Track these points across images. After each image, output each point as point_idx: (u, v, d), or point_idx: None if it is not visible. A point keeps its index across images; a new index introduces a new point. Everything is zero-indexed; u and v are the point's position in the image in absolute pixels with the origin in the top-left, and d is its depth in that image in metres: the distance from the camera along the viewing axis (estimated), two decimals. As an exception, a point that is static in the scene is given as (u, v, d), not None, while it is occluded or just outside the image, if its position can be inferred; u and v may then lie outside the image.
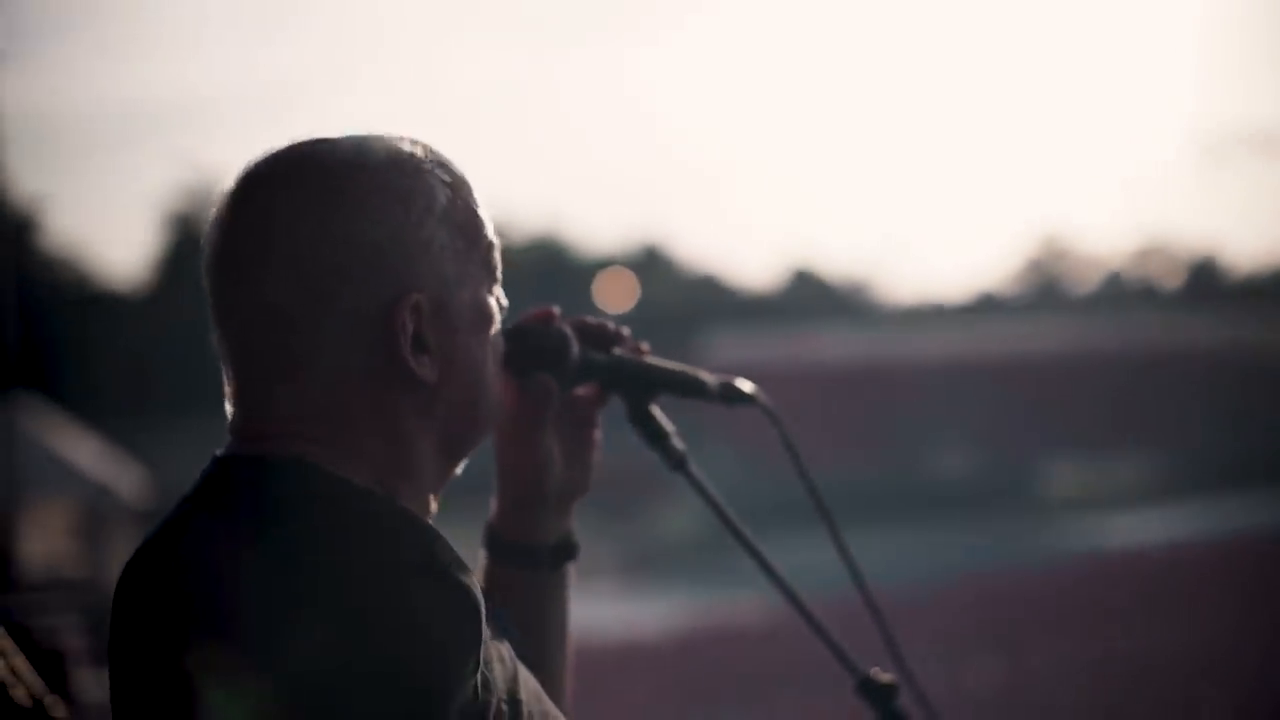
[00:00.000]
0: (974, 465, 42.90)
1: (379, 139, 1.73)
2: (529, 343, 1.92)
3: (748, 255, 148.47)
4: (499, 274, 1.79)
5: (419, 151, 1.73)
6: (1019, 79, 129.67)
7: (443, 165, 1.75)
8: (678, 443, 1.98)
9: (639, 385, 1.98)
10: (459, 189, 1.75)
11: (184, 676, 1.51)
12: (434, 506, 1.74)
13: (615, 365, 1.98)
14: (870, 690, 1.91)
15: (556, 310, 1.95)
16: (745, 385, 2.02)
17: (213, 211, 1.70)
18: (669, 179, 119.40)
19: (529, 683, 1.67)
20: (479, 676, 1.53)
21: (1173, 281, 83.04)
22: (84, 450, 29.55)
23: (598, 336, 1.98)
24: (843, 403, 42.90)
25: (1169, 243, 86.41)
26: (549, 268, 62.53)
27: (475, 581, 1.61)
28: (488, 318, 1.76)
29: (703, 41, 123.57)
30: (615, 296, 51.74)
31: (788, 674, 15.82)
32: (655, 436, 1.98)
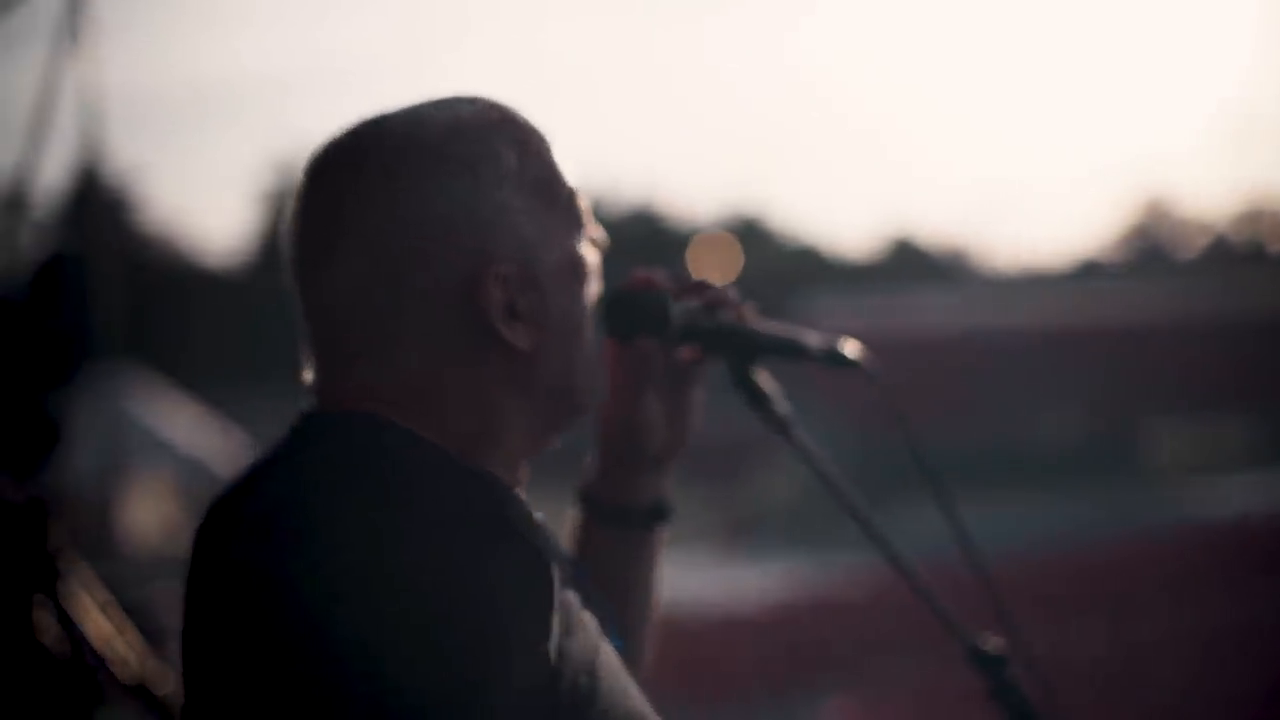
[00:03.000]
0: (1078, 432, 42.60)
1: (438, 108, 1.69)
2: (629, 307, 1.89)
3: (846, 224, 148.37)
4: (585, 220, 1.74)
5: (480, 114, 1.69)
6: (1120, 36, 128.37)
7: (508, 122, 1.70)
8: (781, 406, 1.95)
9: (741, 348, 1.94)
10: (528, 145, 1.70)
11: (248, 628, 1.49)
12: (524, 474, 1.71)
13: (717, 329, 1.94)
14: (981, 659, 1.88)
15: (659, 274, 1.93)
16: (849, 349, 1.99)
17: (290, 201, 1.69)
18: (766, 148, 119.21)
19: (610, 658, 1.61)
20: (553, 644, 1.49)
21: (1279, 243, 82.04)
22: (183, 423, 29.92)
23: (701, 299, 1.95)
24: (943, 371, 42.64)
25: (1276, 203, 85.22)
26: (647, 239, 62.62)
27: (548, 541, 1.59)
28: (579, 269, 1.72)
29: (797, 9, 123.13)
30: (714, 266, 51.68)
31: (889, 642, 15.77)
32: (758, 400, 1.95)
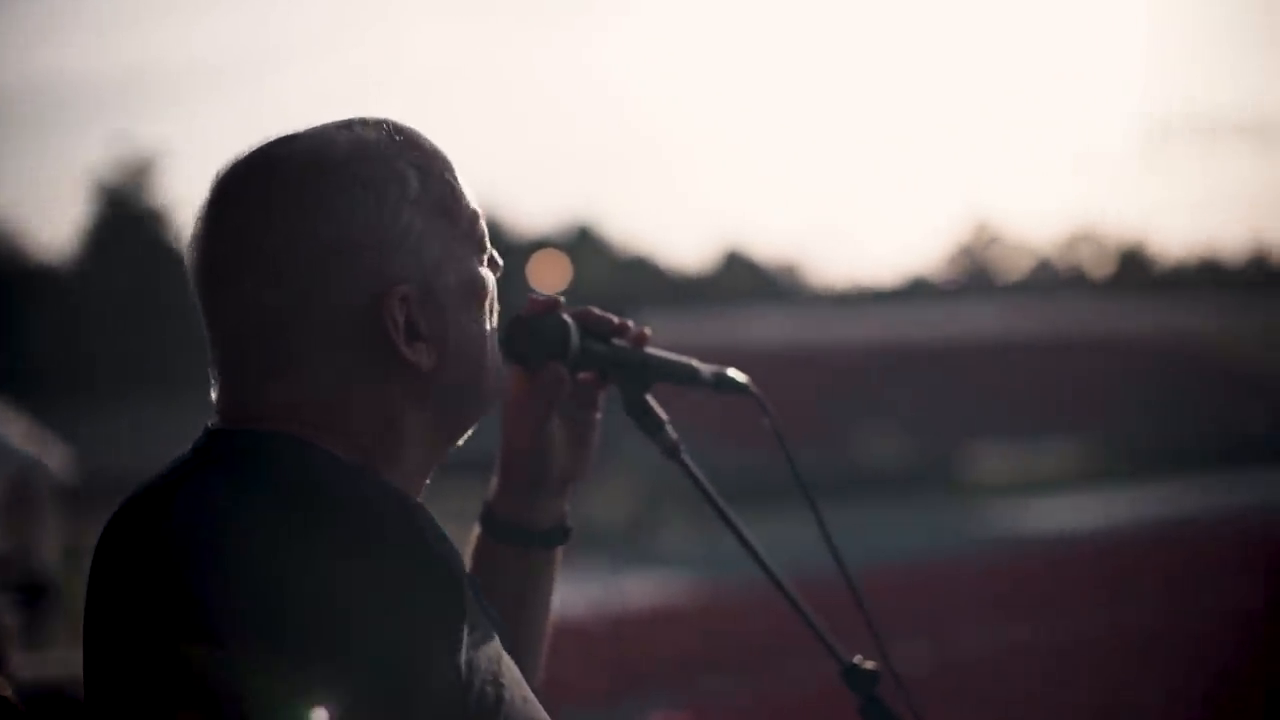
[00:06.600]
0: (902, 449, 43.04)
1: (343, 129, 1.72)
2: (529, 331, 1.94)
3: (680, 236, 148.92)
4: (486, 241, 1.79)
5: (385, 137, 1.72)
6: (956, 62, 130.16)
7: (412, 145, 1.74)
8: (671, 432, 2.01)
9: (635, 374, 2.01)
10: (431, 167, 1.74)
11: (164, 639, 1.51)
12: (424, 484, 1.76)
13: (613, 355, 2.00)
14: (854, 678, 1.93)
15: (560, 299, 1.97)
16: (738, 375, 2.07)
17: (192, 221, 1.71)
18: (603, 159, 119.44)
19: (511, 668, 1.67)
20: (463, 656, 1.55)
21: (1102, 269, 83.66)
22: (11, 427, 29.28)
23: (599, 327, 2.01)
24: (772, 386, 42.54)
25: (1100, 230, 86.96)
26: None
27: (458, 557, 1.63)
28: (478, 290, 1.76)
29: (638, 22, 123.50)
30: (548, 278, 51.69)
31: (717, 657, 15.87)
32: (651, 426, 2.01)
